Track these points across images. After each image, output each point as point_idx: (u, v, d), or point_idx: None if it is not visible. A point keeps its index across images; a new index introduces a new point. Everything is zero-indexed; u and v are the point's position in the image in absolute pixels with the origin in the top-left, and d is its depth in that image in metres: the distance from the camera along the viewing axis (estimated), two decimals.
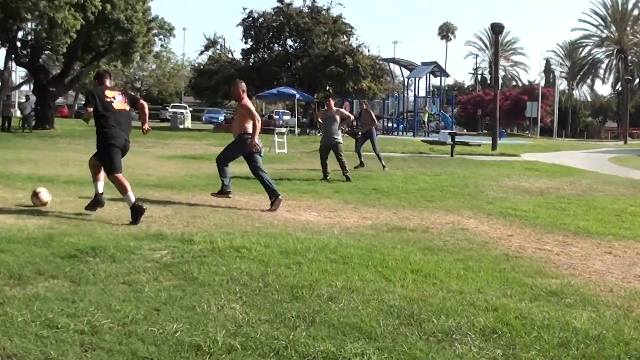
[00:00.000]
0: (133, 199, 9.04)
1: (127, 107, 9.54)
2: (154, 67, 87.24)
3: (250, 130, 11.09)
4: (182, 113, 58.43)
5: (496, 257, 7.61)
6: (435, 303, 5.45)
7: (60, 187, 12.46)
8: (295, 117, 50.60)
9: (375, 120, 21.80)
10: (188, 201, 11.30)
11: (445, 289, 5.93)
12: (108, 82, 9.66)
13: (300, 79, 57.19)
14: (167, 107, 74.02)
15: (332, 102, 17.37)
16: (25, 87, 71.34)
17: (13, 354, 4.05)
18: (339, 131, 16.79)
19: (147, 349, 4.18)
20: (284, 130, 31.48)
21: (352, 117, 18.53)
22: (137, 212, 8.86)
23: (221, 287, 5.70)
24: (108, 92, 9.34)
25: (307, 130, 49.06)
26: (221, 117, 62.60)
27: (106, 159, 9.29)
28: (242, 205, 11.05)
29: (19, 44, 42.82)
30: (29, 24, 40.08)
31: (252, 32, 59.26)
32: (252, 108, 11.12)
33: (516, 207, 11.83)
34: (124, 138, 9.42)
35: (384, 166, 19.93)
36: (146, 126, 10.19)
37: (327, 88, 58.71)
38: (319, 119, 18.86)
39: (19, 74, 78.25)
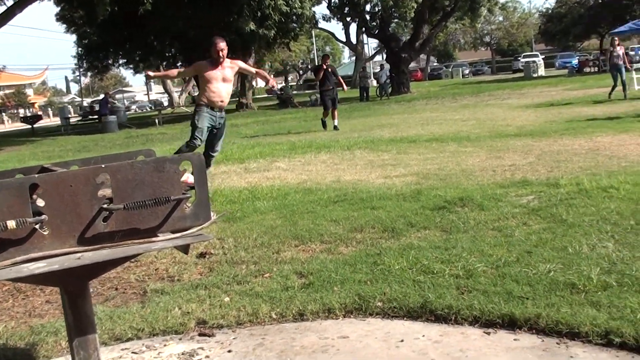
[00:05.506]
0: None
1: None
2: (501, 19, 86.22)
3: None
4: (534, 62, 57.05)
5: None
6: None
7: (422, 145, 13.05)
8: None
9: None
10: (550, 147, 11.17)
11: None
12: None
13: None
14: (519, 58, 72.87)
15: None
16: (378, 57, 75.02)
17: (393, 298, 4.40)
18: None
19: (521, 289, 4.30)
20: None
21: None
22: None
23: (591, 227, 5.63)
24: None
25: None
26: (575, 61, 60.08)
27: None
28: (606, 147, 10.66)
29: (368, 16, 45.03)
30: None
31: None
32: None
33: None
34: None
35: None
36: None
37: None
38: None
39: (370, 45, 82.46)
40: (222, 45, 9.00)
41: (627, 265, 4.54)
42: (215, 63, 9.03)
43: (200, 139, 9.01)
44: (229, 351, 3.99)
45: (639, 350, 3.47)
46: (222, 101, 9.11)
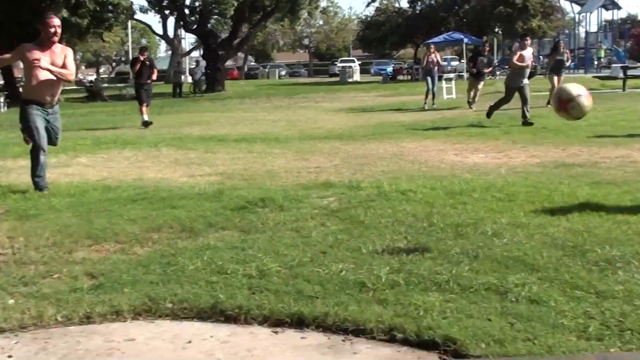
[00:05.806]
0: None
1: None
2: (321, 22, 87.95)
3: None
4: (350, 67, 58.66)
5: None
6: (601, 234, 5.36)
7: (231, 144, 13.05)
8: (464, 62, 49.62)
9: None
10: (356, 151, 11.48)
11: (611, 221, 5.78)
12: None
13: (468, 23, 56.14)
14: (336, 62, 74.68)
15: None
16: (195, 53, 74.26)
17: (184, 299, 4.30)
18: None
19: (312, 288, 4.35)
20: (452, 76, 30.93)
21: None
22: None
23: (387, 228, 5.81)
24: None
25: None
26: (390, 69, 62.33)
27: None
28: (410, 152, 11.10)
29: (187, 11, 44.48)
30: None
31: None
32: None
33: None
34: None
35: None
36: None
37: (496, 30, 57.30)
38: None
39: (188, 40, 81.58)
40: (57, 21, 7.56)
41: (416, 265, 4.71)
42: (44, 46, 7.54)
43: (40, 136, 7.72)
44: (10, 357, 3.75)
45: (419, 345, 3.60)
46: (51, 95, 7.81)
